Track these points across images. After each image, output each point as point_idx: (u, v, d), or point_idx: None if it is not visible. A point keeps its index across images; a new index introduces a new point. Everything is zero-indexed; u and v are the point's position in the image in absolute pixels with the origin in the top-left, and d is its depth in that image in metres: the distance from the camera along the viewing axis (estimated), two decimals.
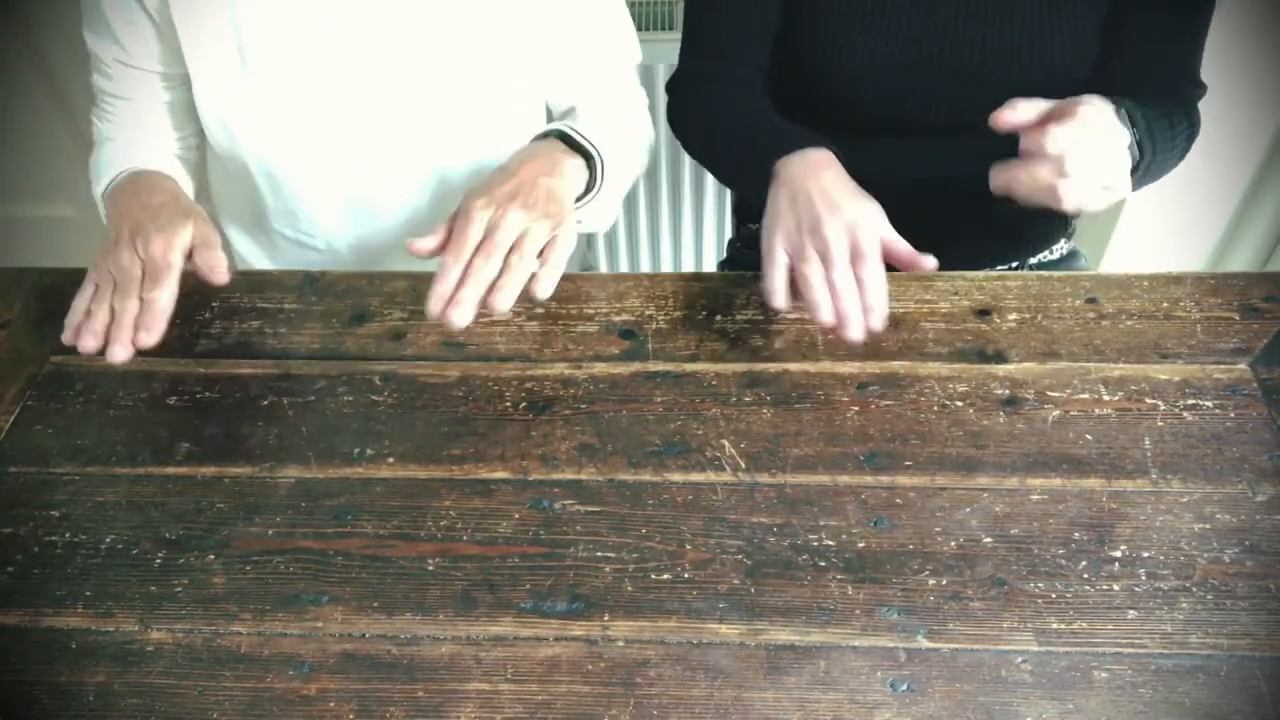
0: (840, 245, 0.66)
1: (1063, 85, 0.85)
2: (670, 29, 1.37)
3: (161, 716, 0.55)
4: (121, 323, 0.65)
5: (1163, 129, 0.77)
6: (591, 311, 0.77)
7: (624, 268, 1.66)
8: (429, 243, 0.67)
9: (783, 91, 0.91)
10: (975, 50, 0.82)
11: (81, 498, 0.66)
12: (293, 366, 0.74)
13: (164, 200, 0.72)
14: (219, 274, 0.69)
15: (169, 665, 0.57)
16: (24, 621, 0.59)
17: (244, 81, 0.81)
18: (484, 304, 0.63)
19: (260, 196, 0.90)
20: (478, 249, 0.64)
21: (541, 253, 0.66)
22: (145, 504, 0.65)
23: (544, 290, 0.65)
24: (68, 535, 0.64)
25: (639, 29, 1.36)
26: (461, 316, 0.62)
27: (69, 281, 0.81)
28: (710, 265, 1.65)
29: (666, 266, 1.66)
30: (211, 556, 0.62)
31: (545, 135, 0.77)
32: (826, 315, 0.65)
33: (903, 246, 0.69)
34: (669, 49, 1.35)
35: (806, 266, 0.66)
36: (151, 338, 0.65)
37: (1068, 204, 0.64)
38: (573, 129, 0.77)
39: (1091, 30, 0.82)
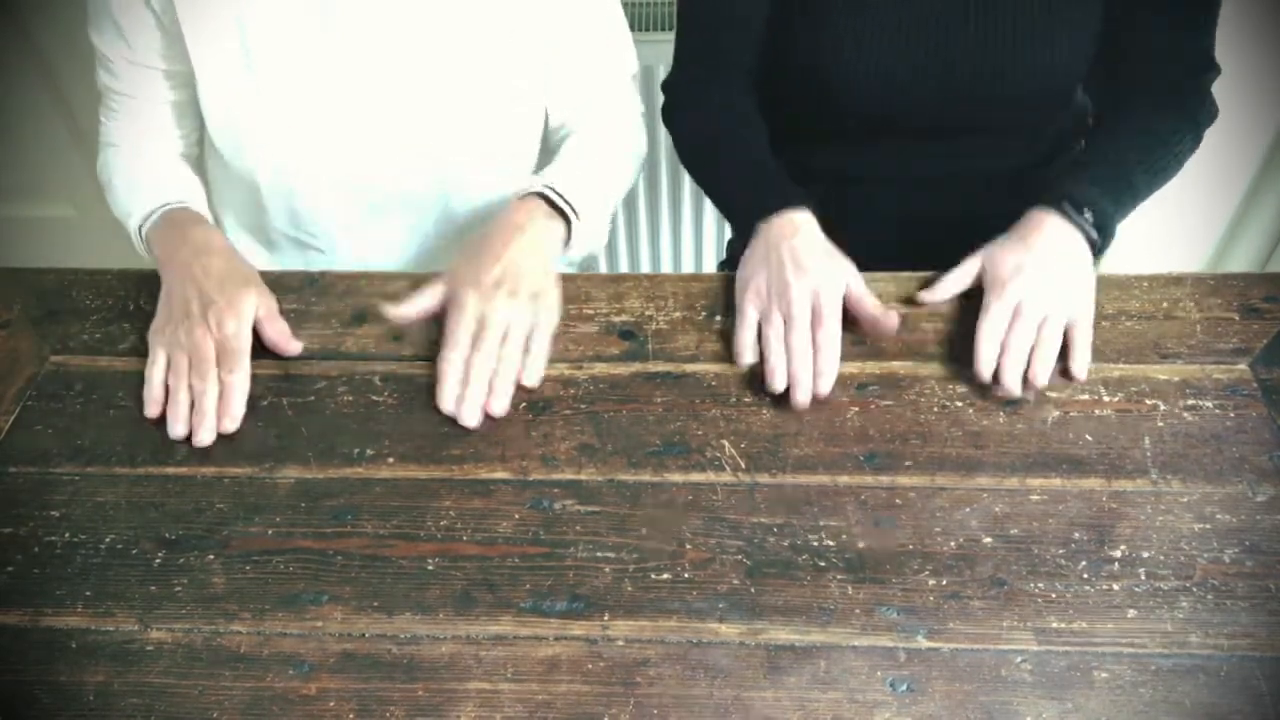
0: (803, 308, 0.70)
1: (1059, 84, 0.85)
2: (670, 29, 1.37)
3: (161, 716, 0.55)
4: (204, 409, 0.69)
5: (1140, 171, 0.78)
6: (591, 311, 0.77)
7: (624, 268, 1.66)
8: (410, 312, 0.73)
9: (782, 93, 0.91)
10: (971, 50, 0.82)
11: (81, 498, 0.66)
12: (293, 366, 0.74)
13: (223, 267, 0.74)
14: (293, 346, 0.74)
15: (169, 665, 0.57)
16: (24, 621, 0.59)
17: (248, 81, 0.81)
18: (486, 410, 0.69)
19: (262, 196, 0.90)
20: (474, 343, 0.70)
21: (528, 339, 0.71)
22: (145, 504, 0.65)
23: (532, 380, 0.71)
24: (68, 535, 0.64)
25: (638, 29, 1.37)
26: (471, 417, 0.69)
27: (69, 281, 0.82)
28: (710, 265, 1.65)
29: (666, 266, 1.66)
30: (211, 556, 0.62)
31: (527, 193, 0.79)
32: (779, 382, 0.69)
33: (867, 305, 0.72)
34: (669, 49, 1.35)
35: (769, 329, 0.71)
36: (235, 424, 0.69)
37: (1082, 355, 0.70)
38: (555, 191, 0.78)
39: (1089, 29, 0.82)
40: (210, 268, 0.73)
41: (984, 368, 0.69)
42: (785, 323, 0.70)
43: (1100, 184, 0.76)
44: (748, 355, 0.72)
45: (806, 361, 0.69)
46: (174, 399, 0.69)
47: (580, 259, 0.85)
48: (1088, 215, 0.73)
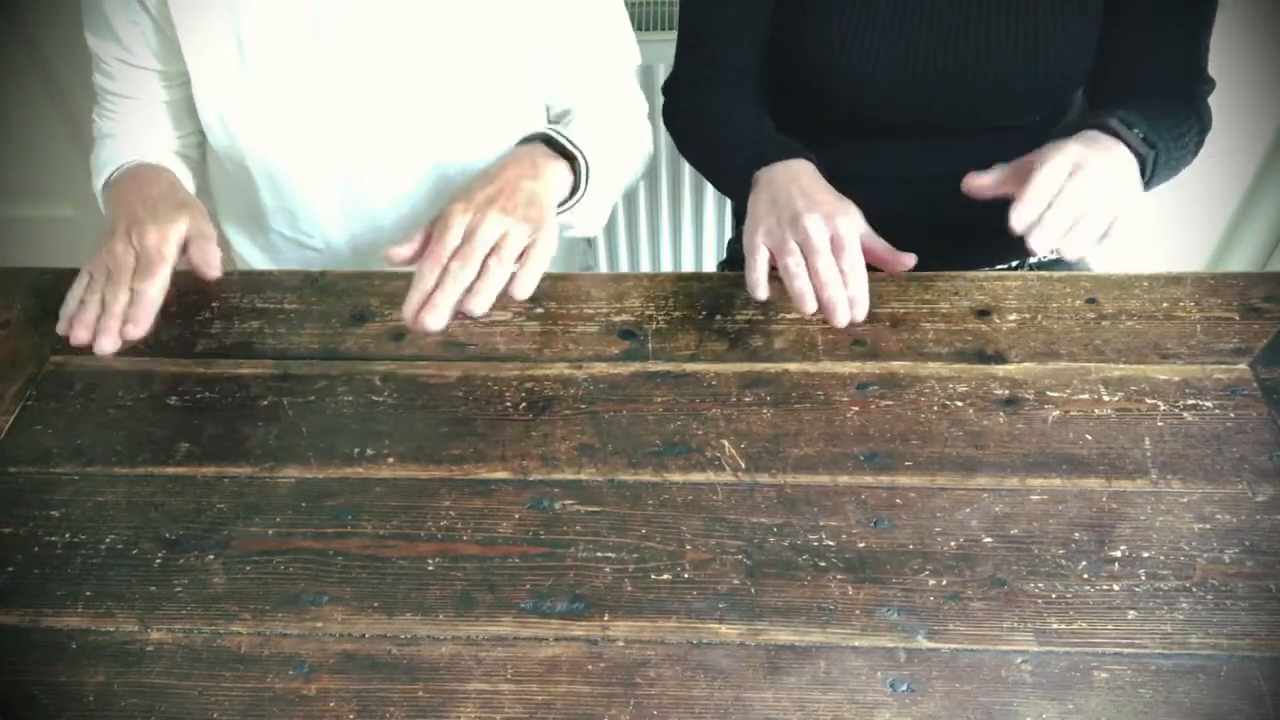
0: (821, 235, 0.67)
1: (1059, 85, 0.85)
2: (670, 29, 1.37)
3: (161, 716, 0.55)
4: (110, 312, 0.66)
5: (1167, 128, 0.77)
6: (591, 311, 0.77)
7: (624, 268, 1.66)
8: (406, 250, 0.67)
9: (781, 93, 0.91)
10: (973, 51, 0.82)
11: (81, 498, 0.66)
12: (293, 366, 0.74)
13: (161, 192, 0.72)
14: (212, 267, 0.70)
15: (169, 665, 0.57)
16: (24, 621, 0.59)
17: (243, 81, 0.82)
18: (460, 309, 0.63)
19: (259, 196, 0.90)
20: (455, 253, 0.64)
21: (521, 255, 0.65)
22: (145, 504, 0.65)
23: (522, 290, 0.64)
24: (68, 535, 0.64)
25: (639, 29, 1.37)
26: (435, 321, 0.62)
27: (69, 282, 0.82)
28: (710, 265, 1.65)
29: (666, 266, 1.66)
30: (211, 556, 0.62)
31: (531, 138, 0.76)
32: (809, 305, 0.66)
33: (880, 244, 0.70)
34: (669, 49, 1.34)
35: (789, 258, 0.67)
36: (138, 330, 0.66)
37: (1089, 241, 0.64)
38: (558, 132, 0.76)
39: (1089, 30, 0.82)
40: (148, 193, 0.72)
41: (1027, 213, 0.62)
42: (805, 252, 0.67)
43: (1144, 118, 0.71)
44: (761, 289, 0.68)
45: (838, 283, 0.65)
46: (82, 307, 0.67)
47: (577, 241, 0.82)
48: (1137, 132, 0.69)
